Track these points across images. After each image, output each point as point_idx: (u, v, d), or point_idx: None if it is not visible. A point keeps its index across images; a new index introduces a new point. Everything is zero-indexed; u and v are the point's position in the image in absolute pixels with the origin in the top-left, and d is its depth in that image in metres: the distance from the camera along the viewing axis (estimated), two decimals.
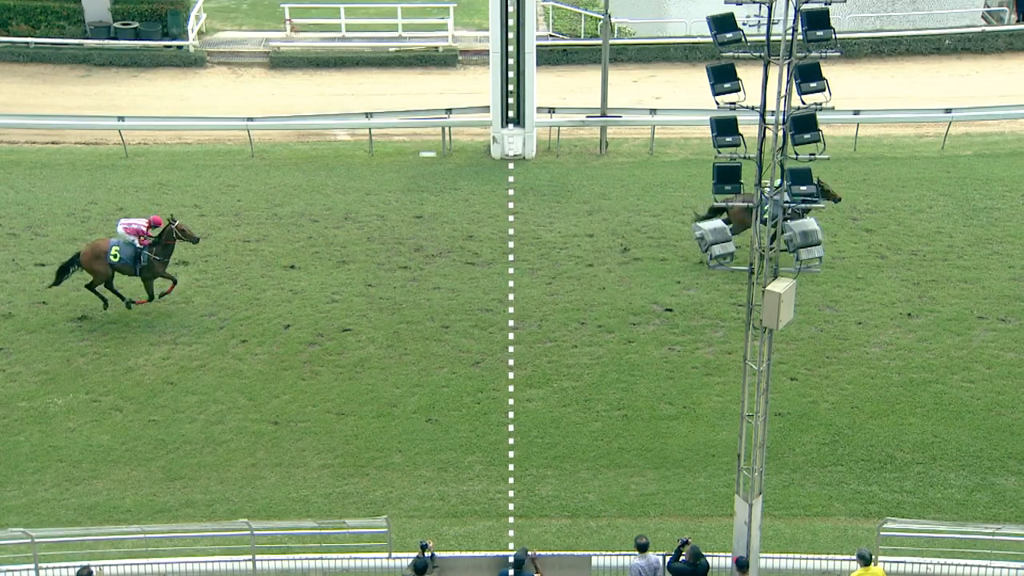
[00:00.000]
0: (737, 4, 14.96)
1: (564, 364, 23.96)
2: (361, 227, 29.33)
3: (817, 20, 14.81)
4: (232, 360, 24.19)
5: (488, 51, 32.82)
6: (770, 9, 14.92)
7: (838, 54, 15.04)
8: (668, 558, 17.26)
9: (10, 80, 38.31)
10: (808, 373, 23.58)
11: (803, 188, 15.43)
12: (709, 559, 17.21)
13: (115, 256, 25.00)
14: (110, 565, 18.32)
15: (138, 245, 25.03)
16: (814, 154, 15.38)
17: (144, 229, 25.20)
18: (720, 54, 15.18)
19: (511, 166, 32.45)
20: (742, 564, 17.02)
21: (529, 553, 17.71)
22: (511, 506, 20.20)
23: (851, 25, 40.99)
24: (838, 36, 15.15)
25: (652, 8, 43.83)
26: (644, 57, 39.72)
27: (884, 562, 17.75)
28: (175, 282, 25.63)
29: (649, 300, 26.02)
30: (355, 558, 18.42)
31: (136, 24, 39.74)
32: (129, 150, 33.87)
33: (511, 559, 17.38)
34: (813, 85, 15.09)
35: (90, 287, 25.37)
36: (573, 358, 24.15)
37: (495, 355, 24.22)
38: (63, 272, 25.40)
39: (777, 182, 15.39)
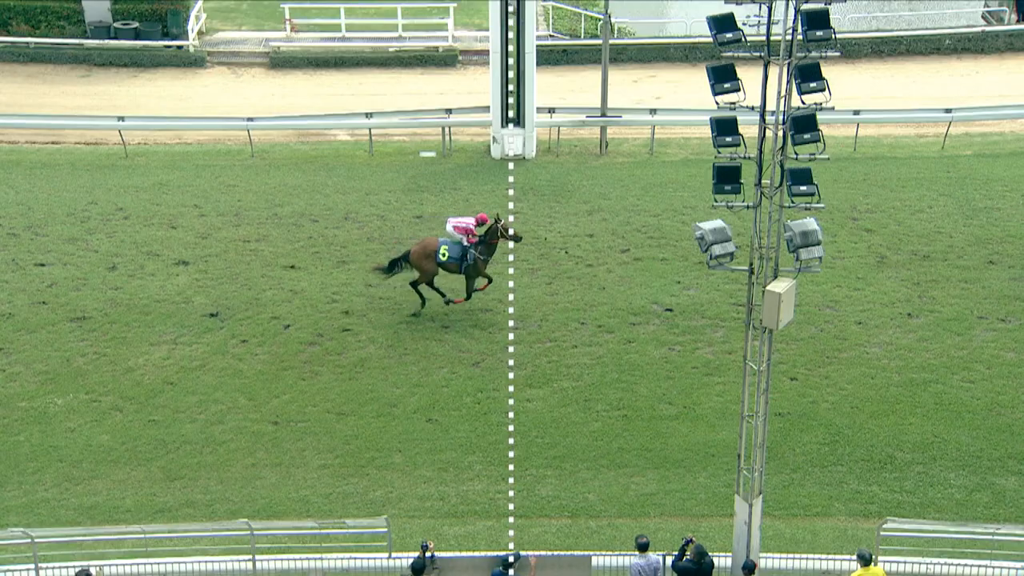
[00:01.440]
0: (737, 4, 14.97)
1: (564, 364, 23.96)
2: (361, 227, 29.32)
3: (817, 20, 14.82)
4: (232, 360, 24.20)
5: (488, 51, 32.82)
6: (770, 9, 14.93)
7: (838, 54, 15.05)
8: (673, 557, 17.27)
9: (10, 80, 38.29)
10: (808, 373, 23.58)
11: (803, 188, 15.45)
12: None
13: (444, 255, 25.09)
14: (110, 565, 18.33)
15: (465, 244, 25.08)
16: (814, 154, 15.39)
17: (473, 227, 25.26)
18: (720, 54, 15.19)
19: (511, 166, 32.45)
20: (749, 567, 17.00)
21: (523, 553, 17.74)
22: (511, 506, 20.21)
23: (851, 25, 40.97)
24: (838, 36, 15.16)
25: (652, 8, 43.73)
26: (644, 57, 39.68)
27: (884, 562, 17.75)
28: (491, 280, 25.63)
29: (649, 300, 26.02)
30: (355, 558, 18.43)
31: (136, 24, 39.70)
32: (129, 150, 33.86)
33: (510, 558, 17.39)
34: (813, 85, 15.10)
35: (414, 284, 25.50)
36: (573, 358, 24.15)
37: (495, 355, 24.22)
38: (392, 267, 25.59)
39: None
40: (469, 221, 25.40)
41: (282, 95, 37.54)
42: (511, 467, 21.10)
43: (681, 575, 17.09)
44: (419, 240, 26.30)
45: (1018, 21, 42.37)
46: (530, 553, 17.94)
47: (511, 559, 17.45)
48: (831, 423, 22.17)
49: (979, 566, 18.04)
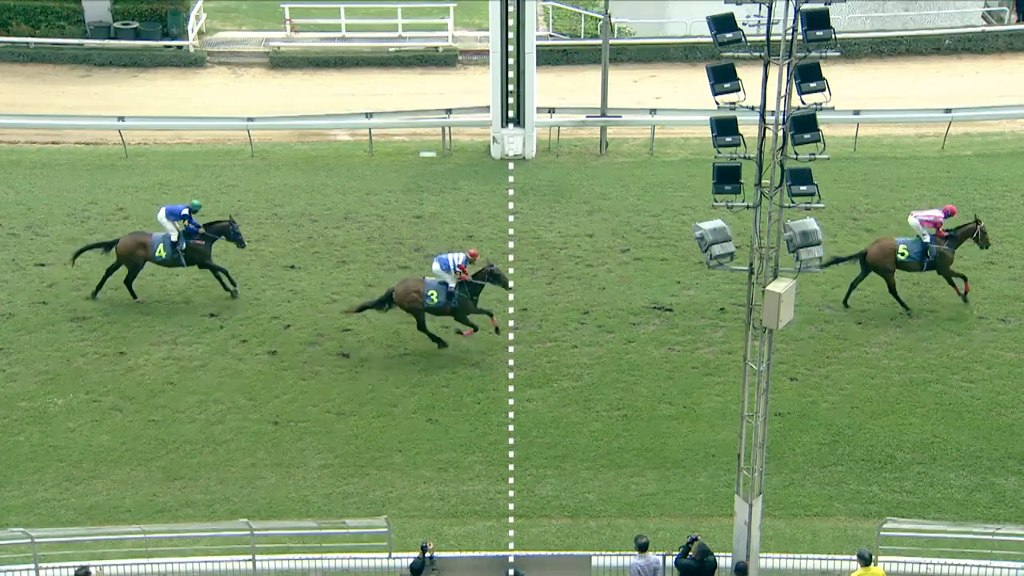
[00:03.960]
0: (737, 4, 14.96)
1: (564, 364, 23.96)
2: (361, 227, 29.32)
3: (817, 20, 14.82)
4: (232, 360, 24.19)
5: (488, 51, 32.82)
6: (770, 9, 14.92)
7: (838, 54, 15.04)
8: (675, 556, 17.28)
9: (10, 80, 38.29)
10: (808, 373, 23.58)
11: (803, 188, 15.44)
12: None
13: (903, 253, 24.75)
14: (110, 565, 18.32)
15: (926, 240, 24.70)
16: (814, 154, 15.38)
17: (941, 219, 24.82)
18: (720, 54, 15.18)
19: (511, 166, 32.44)
20: (740, 569, 17.01)
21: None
22: (511, 506, 20.20)
23: (851, 25, 40.96)
24: (838, 36, 15.15)
25: (652, 8, 43.71)
26: (644, 57, 39.69)
27: (884, 562, 17.75)
28: (965, 279, 25.24)
29: (649, 300, 26.01)
30: (355, 558, 18.43)
31: (136, 24, 39.72)
32: (129, 150, 33.85)
33: (511, 572, 17.35)
34: (813, 85, 15.09)
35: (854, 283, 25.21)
36: (573, 358, 24.15)
37: (495, 355, 24.21)
38: (839, 261, 25.16)
39: None
40: (935, 214, 24.91)
41: (282, 95, 37.53)
42: (511, 467, 21.09)
43: (683, 573, 17.11)
44: (877, 239, 25.87)
45: (1018, 21, 42.36)
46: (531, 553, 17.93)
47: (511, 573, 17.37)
48: (831, 423, 22.17)
49: (979, 566, 18.04)
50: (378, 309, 24.48)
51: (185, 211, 25.42)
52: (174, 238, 25.36)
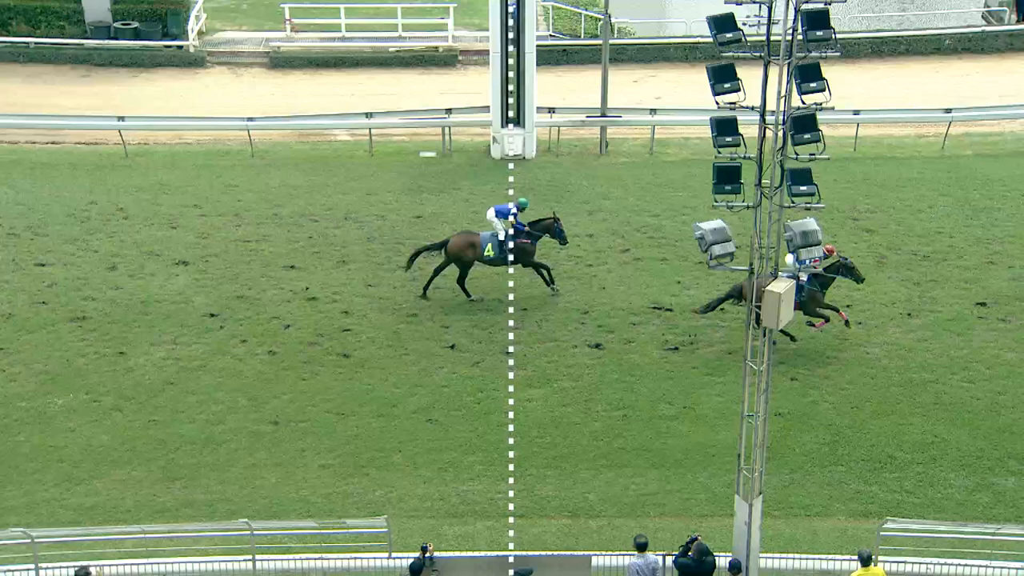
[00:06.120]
0: (737, 4, 14.96)
1: (564, 364, 23.96)
2: (361, 227, 29.32)
3: (817, 20, 14.82)
4: (232, 360, 24.19)
5: (488, 51, 32.82)
6: (770, 9, 14.92)
7: (838, 54, 15.04)
8: (675, 555, 17.29)
9: (10, 80, 38.28)
10: (808, 373, 23.58)
11: (803, 188, 15.44)
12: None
13: None
14: (110, 565, 18.32)
15: None
16: (814, 154, 15.39)
17: None
18: (720, 54, 15.18)
19: (511, 166, 32.44)
20: (735, 567, 17.02)
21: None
22: (511, 506, 20.20)
23: (851, 25, 40.96)
24: (838, 36, 15.15)
25: (652, 8, 43.72)
26: (644, 57, 39.70)
27: (884, 562, 17.75)
28: None
29: (649, 300, 26.01)
30: (355, 558, 18.43)
31: (136, 24, 39.72)
32: (129, 150, 33.85)
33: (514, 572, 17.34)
34: (813, 85, 15.09)
35: None
36: (573, 358, 24.15)
37: (495, 355, 24.22)
38: None
39: None
40: None
41: (282, 95, 37.54)
42: (511, 467, 21.09)
43: (682, 571, 17.12)
44: None
45: (1018, 21, 42.38)
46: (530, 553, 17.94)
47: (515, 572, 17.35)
48: (831, 423, 22.17)
49: (979, 566, 18.04)
50: (731, 300, 24.36)
51: (514, 210, 25.59)
52: (501, 236, 25.47)
